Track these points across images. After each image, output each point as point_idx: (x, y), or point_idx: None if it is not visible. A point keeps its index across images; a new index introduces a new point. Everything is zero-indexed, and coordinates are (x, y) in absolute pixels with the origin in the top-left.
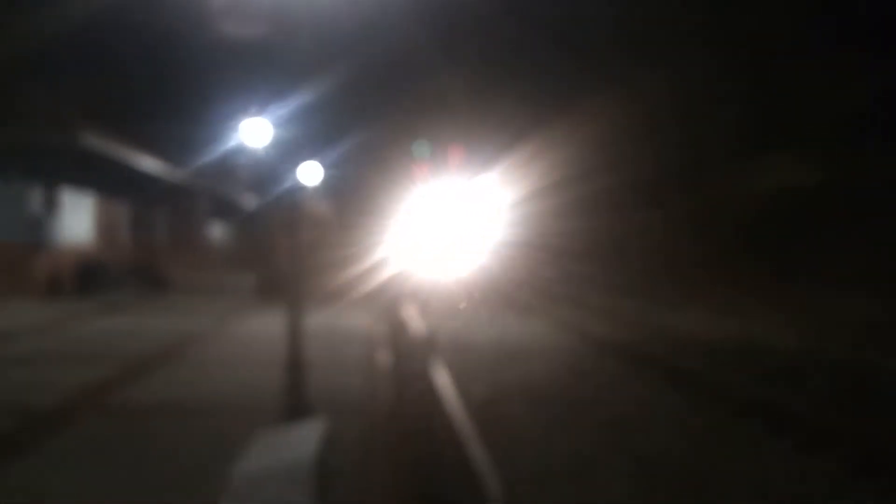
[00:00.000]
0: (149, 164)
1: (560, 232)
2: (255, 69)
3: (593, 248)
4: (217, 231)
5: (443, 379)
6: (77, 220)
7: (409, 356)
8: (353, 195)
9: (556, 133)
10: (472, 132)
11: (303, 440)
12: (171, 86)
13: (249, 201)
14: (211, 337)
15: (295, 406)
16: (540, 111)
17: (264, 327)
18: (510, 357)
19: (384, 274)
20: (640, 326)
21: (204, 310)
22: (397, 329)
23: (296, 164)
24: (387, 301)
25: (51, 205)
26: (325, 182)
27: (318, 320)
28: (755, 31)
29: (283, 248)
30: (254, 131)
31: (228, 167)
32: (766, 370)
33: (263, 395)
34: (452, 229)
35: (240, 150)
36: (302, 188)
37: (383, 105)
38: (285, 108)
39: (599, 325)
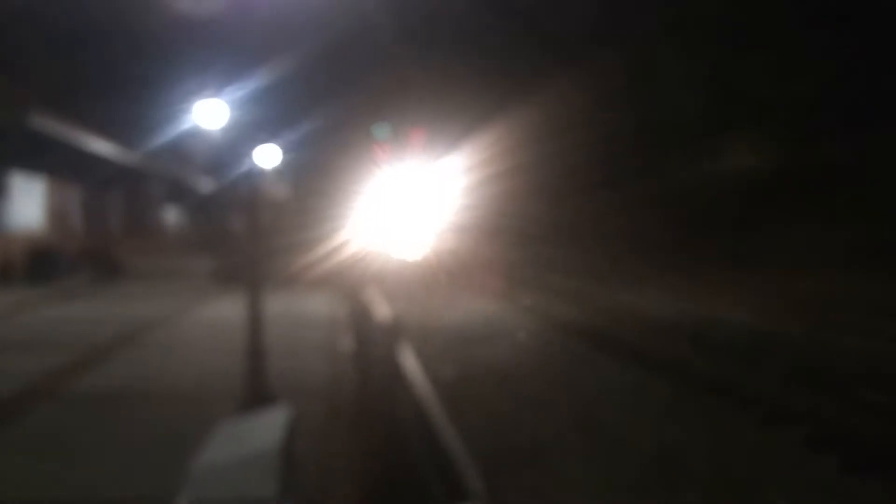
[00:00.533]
0: (101, 146)
1: (520, 215)
2: (212, 49)
3: (553, 231)
4: (172, 215)
5: (409, 362)
6: (27, 205)
7: (372, 340)
8: (313, 177)
9: (517, 117)
10: (434, 115)
11: (268, 428)
12: (124, 65)
13: (205, 185)
14: (168, 323)
15: (256, 393)
16: (501, 95)
17: (223, 313)
18: (474, 340)
19: (345, 256)
20: (598, 307)
21: (160, 296)
22: (360, 312)
23: (253, 146)
24: (349, 284)
25: None
26: (284, 164)
27: (278, 304)
28: (710, 16)
29: (241, 232)
30: (210, 113)
31: (183, 150)
32: (714, 345)
33: (224, 382)
34: (415, 211)
35: (195, 133)
36: (260, 171)
37: (343, 87)
38: (243, 89)
39: (560, 307)
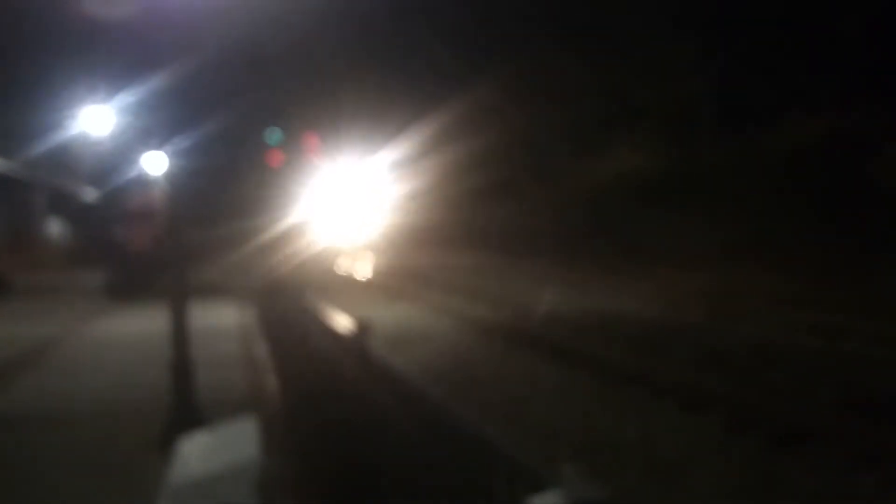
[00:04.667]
0: None
1: (425, 220)
2: (100, 54)
3: (459, 235)
4: (56, 227)
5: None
6: None
7: (336, 339)
8: (208, 184)
9: (418, 125)
10: (332, 120)
11: (238, 441)
12: (2, 68)
13: (90, 194)
14: (67, 341)
15: (184, 409)
16: (402, 102)
17: (124, 328)
18: (397, 339)
19: (248, 263)
20: (504, 305)
21: (52, 313)
22: (294, 318)
23: (142, 153)
24: (256, 290)
25: None
26: (177, 171)
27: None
28: (600, 22)
29: (136, 243)
30: (97, 119)
31: (67, 158)
32: (614, 336)
33: (139, 400)
34: (322, 217)
35: (80, 140)
36: (150, 178)
37: (237, 92)
38: (132, 95)
39: (468, 306)
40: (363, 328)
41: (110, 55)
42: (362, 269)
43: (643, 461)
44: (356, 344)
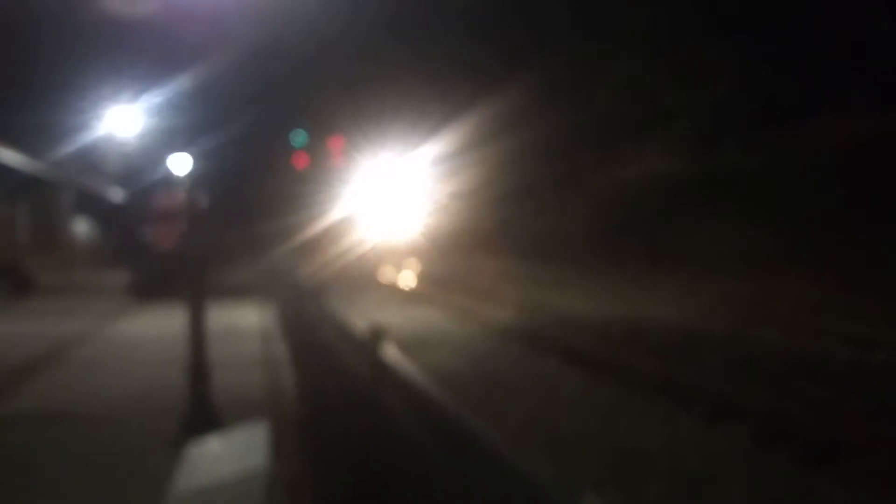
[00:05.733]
0: (6, 155)
1: (449, 223)
2: (127, 55)
3: (488, 239)
4: (82, 227)
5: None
6: None
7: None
8: (233, 185)
9: (437, 129)
10: (356, 123)
11: (247, 448)
12: (31, 70)
13: (117, 194)
14: (89, 341)
15: (200, 411)
16: (420, 106)
17: (146, 328)
18: (415, 343)
19: (277, 264)
20: (528, 310)
21: (76, 312)
22: (312, 321)
23: (169, 154)
24: (281, 293)
25: None
26: (202, 172)
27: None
28: (630, 24)
29: (162, 243)
30: (124, 120)
31: (94, 158)
32: (641, 343)
33: (157, 400)
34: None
35: (107, 140)
36: (177, 179)
37: (263, 94)
38: (159, 96)
39: (492, 310)
40: (377, 333)
41: (138, 56)
42: (403, 276)
43: (669, 474)
44: (370, 348)
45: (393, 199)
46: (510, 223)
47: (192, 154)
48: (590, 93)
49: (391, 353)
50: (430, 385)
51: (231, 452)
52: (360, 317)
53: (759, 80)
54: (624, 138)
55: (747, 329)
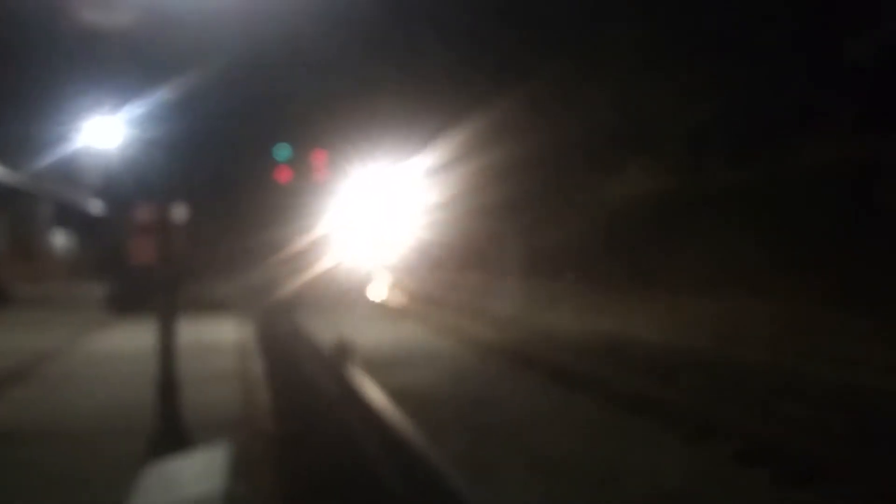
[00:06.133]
0: None
1: (430, 239)
2: (107, 65)
3: (469, 255)
4: (60, 239)
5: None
6: None
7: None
8: (215, 198)
9: (421, 144)
10: (346, 138)
11: (205, 471)
12: (8, 79)
13: (96, 207)
14: (63, 355)
15: (169, 428)
16: (405, 121)
17: (122, 342)
18: (384, 362)
19: (253, 279)
20: (509, 326)
21: (51, 325)
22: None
23: (150, 166)
24: (259, 308)
25: None
26: (184, 185)
27: (181, 330)
28: (614, 44)
29: (139, 256)
30: (104, 131)
31: (73, 170)
32: (620, 360)
33: (128, 417)
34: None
35: (86, 152)
36: (158, 191)
37: (247, 107)
38: (140, 107)
39: (470, 326)
40: (344, 350)
41: (118, 67)
42: (387, 291)
43: (647, 493)
44: (335, 367)
45: (378, 215)
46: (496, 239)
47: (171, 167)
48: (577, 110)
49: (357, 371)
50: (389, 408)
51: (189, 475)
52: (336, 333)
53: (746, 100)
54: (611, 156)
55: (730, 349)
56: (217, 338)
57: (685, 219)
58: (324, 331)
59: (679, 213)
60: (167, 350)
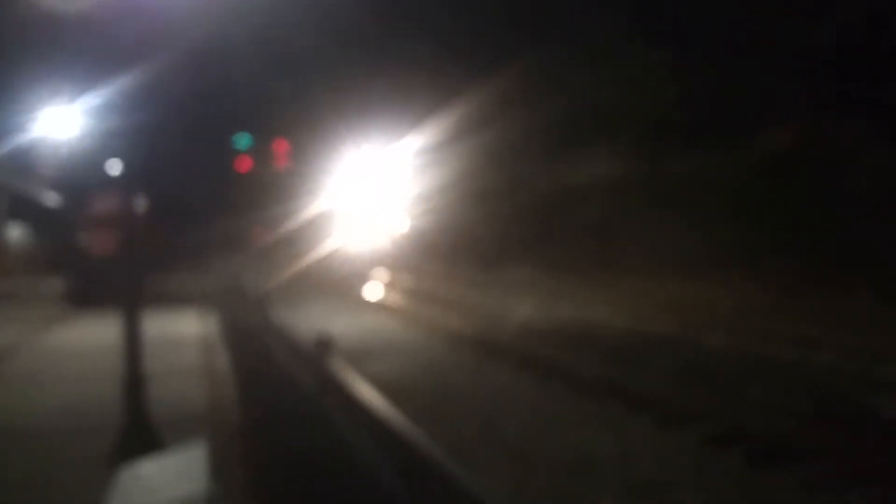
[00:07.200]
0: None
1: (403, 232)
2: (66, 53)
3: (436, 245)
4: (16, 232)
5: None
6: None
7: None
8: (174, 189)
9: (384, 134)
10: (302, 127)
11: (185, 472)
12: None
13: (52, 199)
14: (23, 351)
15: (137, 426)
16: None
17: (84, 337)
18: (361, 351)
19: (218, 270)
20: (476, 315)
21: (9, 320)
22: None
23: (108, 157)
24: (231, 299)
25: None
26: (143, 176)
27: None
28: (573, 32)
29: (98, 248)
30: (60, 122)
31: (29, 161)
32: (588, 347)
33: (94, 414)
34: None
35: (43, 142)
36: (115, 182)
37: (207, 96)
38: (98, 97)
39: (440, 316)
40: (324, 344)
41: (75, 56)
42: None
43: (621, 480)
44: (315, 360)
45: (347, 205)
46: (464, 229)
47: (131, 157)
48: (538, 100)
49: (338, 363)
50: (375, 398)
51: (167, 477)
52: (307, 325)
53: (707, 87)
54: (572, 145)
55: (695, 333)
56: (182, 331)
57: (645, 206)
58: (296, 323)
59: (641, 200)
60: (133, 346)
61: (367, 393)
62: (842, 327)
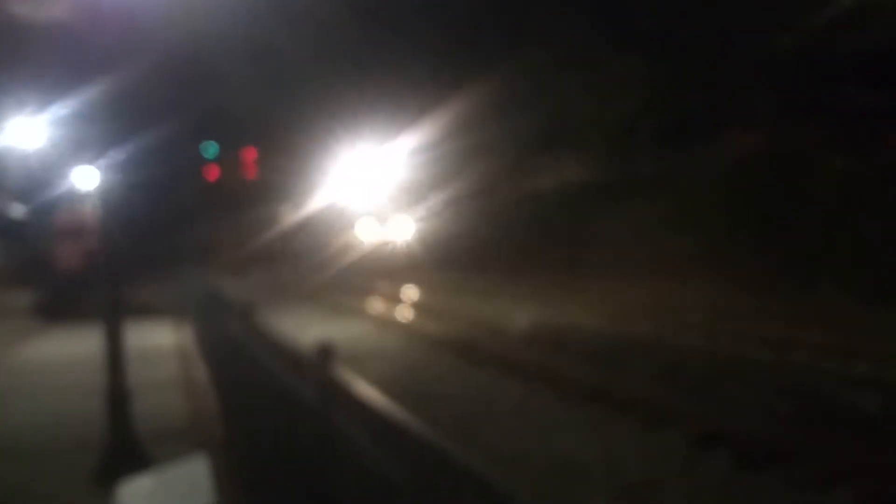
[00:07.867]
0: None
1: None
2: (32, 61)
3: (410, 252)
4: None
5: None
6: None
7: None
8: (142, 199)
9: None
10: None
11: (188, 487)
12: None
13: (18, 210)
14: None
15: (122, 442)
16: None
17: (55, 351)
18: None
19: (190, 280)
20: (450, 319)
21: None
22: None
23: (74, 167)
24: (206, 307)
25: None
26: (110, 186)
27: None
28: (542, 38)
29: (67, 261)
30: (26, 131)
31: None
32: (565, 349)
33: (73, 431)
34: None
35: (9, 153)
36: (82, 193)
37: (175, 106)
38: (65, 106)
39: (415, 320)
40: (326, 353)
41: (42, 65)
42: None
43: (608, 482)
44: (318, 370)
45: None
46: (436, 233)
47: (98, 168)
48: (505, 107)
49: (341, 371)
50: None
51: (169, 492)
52: (289, 332)
53: (671, 93)
54: (540, 148)
55: (668, 334)
56: (157, 342)
57: (615, 209)
58: (281, 329)
59: (608, 203)
60: (116, 361)
61: (379, 400)
62: (814, 326)
